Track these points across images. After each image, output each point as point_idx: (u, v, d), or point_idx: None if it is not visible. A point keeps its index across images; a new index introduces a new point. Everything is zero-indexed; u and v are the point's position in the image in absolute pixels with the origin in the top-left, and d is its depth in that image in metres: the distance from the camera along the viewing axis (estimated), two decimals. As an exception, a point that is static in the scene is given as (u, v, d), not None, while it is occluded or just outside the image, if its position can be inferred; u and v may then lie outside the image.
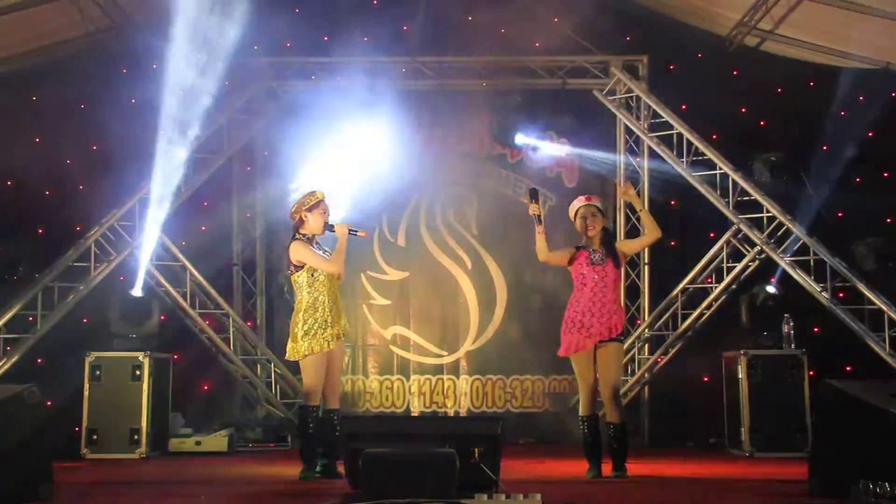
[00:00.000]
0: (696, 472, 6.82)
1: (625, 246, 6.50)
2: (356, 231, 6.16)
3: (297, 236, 6.13)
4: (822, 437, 5.25)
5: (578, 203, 6.29)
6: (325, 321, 6.01)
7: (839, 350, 8.61)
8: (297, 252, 6.06)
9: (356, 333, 9.62)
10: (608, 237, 6.31)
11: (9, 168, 9.06)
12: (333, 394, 6.22)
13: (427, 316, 9.70)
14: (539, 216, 6.09)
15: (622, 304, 6.26)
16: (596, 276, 6.12)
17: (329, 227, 6.14)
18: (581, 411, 6.20)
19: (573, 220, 6.31)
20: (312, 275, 6.05)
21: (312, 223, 6.13)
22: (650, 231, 6.25)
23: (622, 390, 8.38)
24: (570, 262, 6.21)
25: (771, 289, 8.54)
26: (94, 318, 8.84)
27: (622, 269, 6.28)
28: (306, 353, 5.97)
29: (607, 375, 6.09)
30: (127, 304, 8.54)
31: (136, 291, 8.55)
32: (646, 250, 9.49)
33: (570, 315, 6.16)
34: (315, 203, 6.14)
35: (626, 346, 9.04)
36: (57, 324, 8.48)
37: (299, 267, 6.06)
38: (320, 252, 6.11)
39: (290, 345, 6.09)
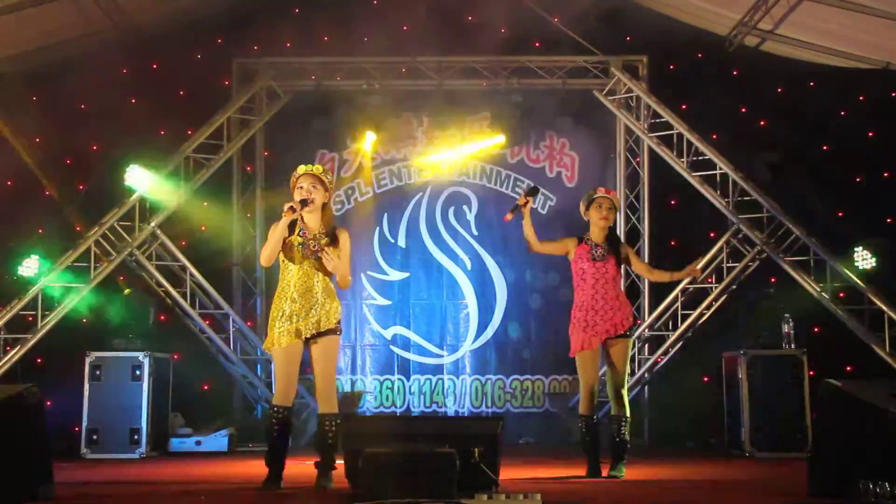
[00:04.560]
0: (696, 472, 6.81)
1: (632, 258, 6.33)
2: (289, 208, 5.33)
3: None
4: (822, 437, 5.24)
5: (599, 192, 6.22)
6: (283, 313, 5.39)
7: (839, 350, 8.62)
8: None
9: (356, 333, 9.63)
10: (613, 235, 6.26)
11: (9, 168, 9.08)
12: (320, 396, 5.52)
13: (427, 316, 9.71)
14: (522, 209, 6.02)
15: (628, 299, 6.22)
16: (597, 273, 6.10)
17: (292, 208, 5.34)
18: (580, 410, 6.20)
19: (585, 209, 6.23)
20: (282, 260, 5.48)
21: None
22: (659, 278, 6.54)
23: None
24: (571, 254, 6.20)
25: None
26: (93, 318, 8.86)
27: (622, 268, 6.27)
28: (267, 346, 5.49)
29: (614, 372, 6.10)
30: (126, 304, 8.53)
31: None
32: (646, 251, 9.51)
33: (575, 314, 6.16)
34: (295, 180, 5.48)
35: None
36: (57, 324, 8.49)
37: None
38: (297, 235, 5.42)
39: None
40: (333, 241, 5.47)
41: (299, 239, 5.44)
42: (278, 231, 5.34)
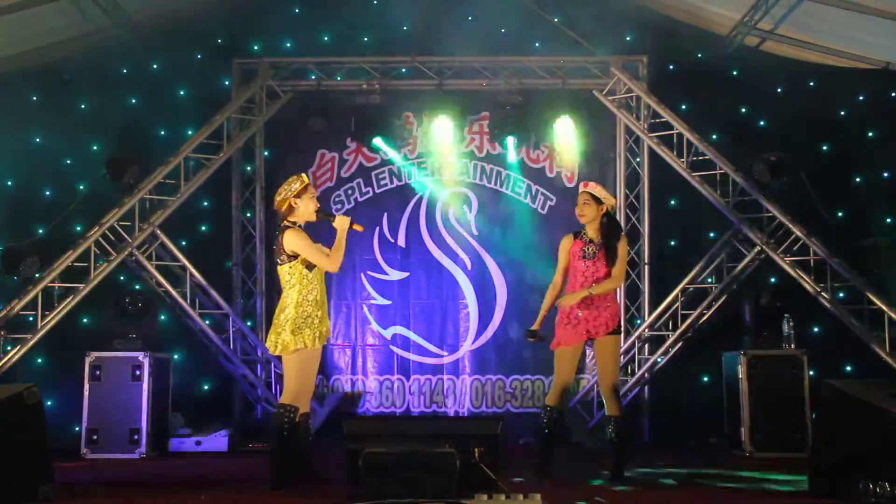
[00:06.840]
0: (696, 472, 6.81)
1: (621, 255, 6.15)
2: (355, 225, 5.86)
3: (287, 224, 5.75)
4: (822, 437, 5.25)
5: (580, 189, 6.24)
6: (315, 317, 5.70)
7: (839, 350, 8.62)
8: (293, 242, 5.67)
9: (356, 333, 9.64)
10: (610, 229, 6.15)
11: (9, 168, 9.08)
12: (308, 398, 5.91)
13: (427, 316, 9.70)
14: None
15: (616, 298, 6.17)
16: (587, 271, 6.08)
17: (324, 215, 5.87)
18: (547, 400, 6.15)
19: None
20: (308, 268, 5.71)
21: (303, 209, 5.78)
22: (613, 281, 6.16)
23: (622, 390, 8.40)
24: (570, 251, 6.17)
25: None
26: (94, 318, 8.85)
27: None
28: (298, 346, 5.61)
29: (605, 371, 6.07)
30: (126, 304, 8.53)
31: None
32: (645, 250, 9.49)
33: (563, 309, 6.13)
34: (303, 188, 5.78)
35: (626, 345, 9.05)
36: (57, 324, 8.48)
37: (293, 257, 5.68)
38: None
39: (274, 338, 5.68)
40: None
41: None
42: (343, 241, 5.78)
